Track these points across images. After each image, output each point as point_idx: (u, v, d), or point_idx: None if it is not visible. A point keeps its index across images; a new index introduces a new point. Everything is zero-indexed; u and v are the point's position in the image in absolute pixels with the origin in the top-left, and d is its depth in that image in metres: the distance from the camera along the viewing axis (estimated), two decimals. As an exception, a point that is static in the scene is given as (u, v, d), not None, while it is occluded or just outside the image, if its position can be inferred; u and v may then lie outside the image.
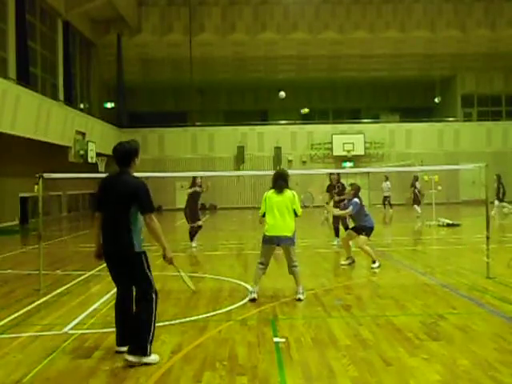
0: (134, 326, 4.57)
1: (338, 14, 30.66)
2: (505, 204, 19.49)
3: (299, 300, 6.84)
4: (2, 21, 19.56)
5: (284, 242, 6.88)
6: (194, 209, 12.10)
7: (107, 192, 4.69)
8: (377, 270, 8.99)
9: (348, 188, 9.81)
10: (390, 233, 16.52)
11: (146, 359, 4.51)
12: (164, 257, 4.71)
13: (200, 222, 12.24)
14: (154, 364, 4.52)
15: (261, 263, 7.01)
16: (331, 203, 12.12)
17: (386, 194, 23.23)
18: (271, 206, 6.87)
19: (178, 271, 5.01)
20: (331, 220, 12.99)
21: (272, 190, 7.00)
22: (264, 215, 7.01)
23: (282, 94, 16.89)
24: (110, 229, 4.64)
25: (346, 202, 10.10)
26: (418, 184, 20.49)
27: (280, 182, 6.95)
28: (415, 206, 20.26)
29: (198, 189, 12.03)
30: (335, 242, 12.35)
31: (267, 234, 6.88)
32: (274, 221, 6.82)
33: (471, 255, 10.69)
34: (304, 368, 4.41)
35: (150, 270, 4.65)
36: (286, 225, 6.83)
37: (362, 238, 9.19)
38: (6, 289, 8.04)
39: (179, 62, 30.92)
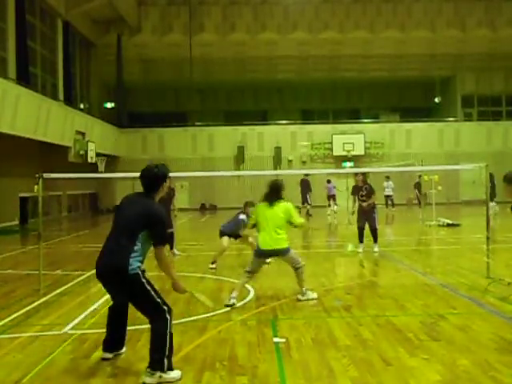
0: (150, 343, 4.28)
1: (338, 13, 30.65)
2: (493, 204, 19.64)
3: (298, 300, 6.84)
4: (2, 20, 19.54)
5: (280, 254, 6.80)
6: (167, 213, 10.88)
7: (124, 209, 4.41)
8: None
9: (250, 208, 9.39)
10: (390, 233, 16.52)
11: (165, 376, 4.18)
12: (174, 289, 4.45)
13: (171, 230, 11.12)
14: (177, 381, 4.22)
15: (249, 272, 6.86)
16: (356, 206, 11.32)
17: (388, 194, 23.26)
18: (264, 219, 6.68)
19: (193, 294, 4.76)
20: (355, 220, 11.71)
21: (264, 203, 6.81)
22: (254, 227, 6.98)
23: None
24: (113, 243, 4.33)
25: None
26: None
27: (272, 195, 6.76)
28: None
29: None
30: (360, 249, 11.25)
31: (261, 248, 6.70)
32: (267, 235, 6.64)
33: (471, 255, 10.68)
34: (304, 368, 4.40)
35: (151, 286, 4.30)
36: (280, 238, 6.66)
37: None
38: (5, 289, 8.03)
39: (179, 62, 30.91)
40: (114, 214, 4.52)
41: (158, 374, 4.15)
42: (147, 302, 4.27)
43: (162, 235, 4.33)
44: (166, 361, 4.19)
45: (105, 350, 4.73)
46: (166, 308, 4.27)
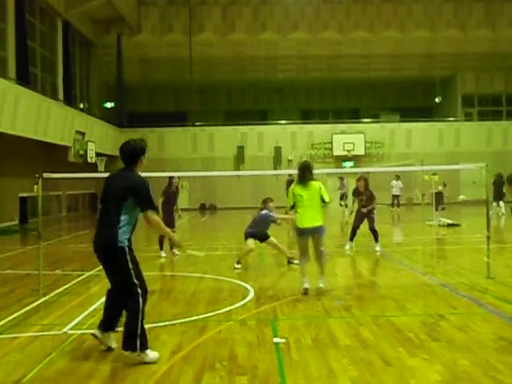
0: (125, 322, 4.61)
1: (338, 13, 30.65)
2: (501, 204, 19.49)
3: (320, 288, 7.14)
4: (2, 20, 19.54)
5: (317, 232, 7.08)
6: (171, 213, 11.14)
7: (108, 186, 4.76)
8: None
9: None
10: (391, 233, 16.50)
11: (143, 355, 4.50)
12: (171, 243, 4.97)
13: (175, 229, 11.09)
14: (154, 362, 4.51)
15: (303, 257, 7.23)
16: (354, 206, 11.64)
17: (396, 193, 23.21)
18: (301, 199, 6.99)
19: (185, 251, 5.30)
20: (352, 221, 11.97)
21: (298, 184, 7.11)
22: (293, 207, 7.16)
23: None
24: (101, 220, 4.71)
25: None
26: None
27: (305, 175, 7.07)
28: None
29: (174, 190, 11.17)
30: (347, 246, 11.65)
31: (301, 226, 7.03)
32: (306, 213, 7.01)
33: (471, 255, 10.67)
34: (304, 368, 4.40)
35: (135, 265, 4.62)
36: (317, 216, 7.05)
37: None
38: (5, 289, 8.03)
39: (179, 61, 30.90)
40: (102, 191, 4.83)
41: (136, 353, 4.46)
42: (125, 279, 4.56)
43: (148, 200, 4.60)
44: (138, 341, 4.47)
45: (98, 327, 4.92)
46: (140, 291, 4.55)
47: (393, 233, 16.62)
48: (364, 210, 11.27)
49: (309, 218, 6.99)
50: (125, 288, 4.59)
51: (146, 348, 4.54)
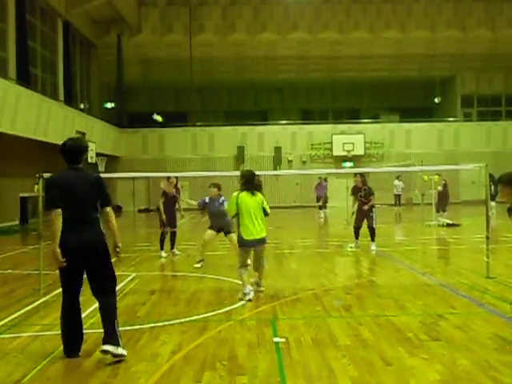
0: (106, 317, 4.62)
1: (338, 14, 30.67)
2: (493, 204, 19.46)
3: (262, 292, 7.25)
4: (2, 21, 19.55)
5: (262, 243, 7.00)
6: (172, 213, 11.26)
7: (73, 189, 4.58)
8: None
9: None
10: (391, 233, 16.51)
11: (120, 350, 4.55)
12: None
13: (174, 229, 11.39)
14: (125, 356, 4.56)
15: (245, 266, 6.99)
16: (355, 207, 11.61)
17: (398, 193, 23.30)
18: (248, 208, 6.81)
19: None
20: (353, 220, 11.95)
21: (245, 192, 6.89)
22: (234, 216, 6.97)
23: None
24: (83, 223, 4.60)
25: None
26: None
27: (254, 184, 6.94)
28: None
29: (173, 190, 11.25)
30: (353, 245, 11.74)
31: (248, 238, 6.81)
32: (252, 224, 6.83)
33: (471, 255, 10.68)
34: (304, 368, 4.41)
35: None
36: (263, 226, 6.94)
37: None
38: (6, 289, 8.04)
39: (179, 61, 30.92)
40: (62, 193, 4.54)
41: (119, 347, 4.53)
42: (110, 273, 4.73)
43: (109, 196, 4.84)
44: (119, 339, 4.57)
45: (74, 352, 4.73)
46: (116, 281, 4.78)
47: (393, 232, 16.62)
48: (365, 207, 11.26)
49: (254, 229, 6.85)
50: (111, 279, 4.73)
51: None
